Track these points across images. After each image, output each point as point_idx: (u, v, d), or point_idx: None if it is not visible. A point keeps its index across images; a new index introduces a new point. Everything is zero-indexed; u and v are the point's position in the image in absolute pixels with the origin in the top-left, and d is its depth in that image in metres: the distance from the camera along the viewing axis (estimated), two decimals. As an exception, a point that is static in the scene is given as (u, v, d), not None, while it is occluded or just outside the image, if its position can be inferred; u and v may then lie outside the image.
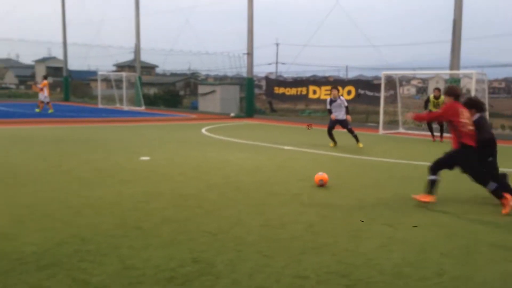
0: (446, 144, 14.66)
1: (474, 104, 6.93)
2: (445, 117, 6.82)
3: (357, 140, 12.97)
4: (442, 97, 14.79)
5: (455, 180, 7.58)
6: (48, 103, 24.21)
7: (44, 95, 24.10)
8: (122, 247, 4.50)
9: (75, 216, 5.53)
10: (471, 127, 6.52)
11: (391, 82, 19.61)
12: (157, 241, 4.73)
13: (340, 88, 23.64)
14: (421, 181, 8.35)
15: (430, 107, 15.08)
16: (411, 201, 6.81)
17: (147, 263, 4.11)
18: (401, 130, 18.79)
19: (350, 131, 13.01)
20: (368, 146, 13.55)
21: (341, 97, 13.17)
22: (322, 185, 7.64)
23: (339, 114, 12.93)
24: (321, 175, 7.74)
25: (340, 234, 5.14)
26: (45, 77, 25.51)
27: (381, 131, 17.80)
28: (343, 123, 13.00)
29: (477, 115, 6.83)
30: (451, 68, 18.42)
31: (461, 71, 18.62)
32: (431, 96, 15.57)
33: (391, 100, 19.93)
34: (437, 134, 15.46)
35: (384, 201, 6.79)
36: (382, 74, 18.84)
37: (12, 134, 14.30)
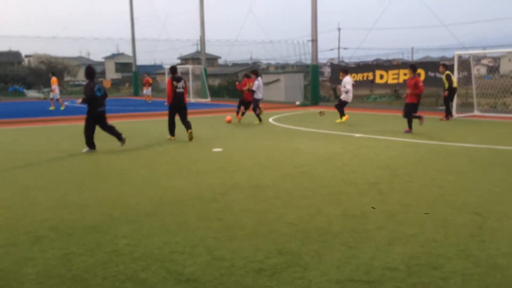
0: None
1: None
2: None
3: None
4: (447, 72, 16.27)
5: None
6: (58, 99, 24.63)
7: (54, 92, 24.19)
8: (208, 238, 4.60)
9: (159, 208, 5.72)
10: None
11: (464, 63, 18.76)
12: (240, 232, 4.79)
13: (408, 71, 23.02)
14: (506, 166, 7.97)
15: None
16: (497, 187, 6.50)
17: (234, 254, 4.18)
18: (476, 113, 17.96)
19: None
20: (443, 131, 13.08)
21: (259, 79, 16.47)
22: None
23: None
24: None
25: (426, 224, 4.98)
26: (53, 73, 25.42)
27: (455, 114, 17.08)
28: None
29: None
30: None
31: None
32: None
33: (464, 81, 19.05)
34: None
35: (467, 188, 6.52)
36: (455, 54, 18.01)
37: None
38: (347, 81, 15.69)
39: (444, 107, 16.75)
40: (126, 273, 3.81)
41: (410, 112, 12.73)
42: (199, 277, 3.71)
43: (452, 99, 16.37)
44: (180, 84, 12.15)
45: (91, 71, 10.36)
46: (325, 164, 8.37)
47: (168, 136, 12.16)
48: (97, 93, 10.16)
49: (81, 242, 4.56)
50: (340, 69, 18.37)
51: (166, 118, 12.38)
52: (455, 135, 12.16)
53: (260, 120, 16.21)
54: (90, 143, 10.24)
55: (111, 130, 10.60)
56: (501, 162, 8.42)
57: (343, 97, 15.76)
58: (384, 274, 3.73)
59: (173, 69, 12.54)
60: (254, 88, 16.17)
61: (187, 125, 11.98)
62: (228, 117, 16.64)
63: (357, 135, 12.34)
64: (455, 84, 16.20)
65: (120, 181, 7.31)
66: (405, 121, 12.90)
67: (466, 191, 6.35)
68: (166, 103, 12.44)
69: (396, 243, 4.42)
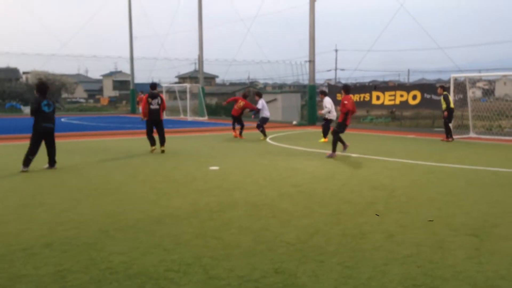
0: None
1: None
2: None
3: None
4: (445, 93, 16.45)
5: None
6: None
7: None
8: (204, 257, 4.57)
9: (156, 225, 5.68)
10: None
11: (459, 85, 18.92)
12: (237, 251, 4.76)
13: (405, 93, 23.21)
14: (503, 188, 7.98)
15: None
16: (495, 209, 6.50)
17: (230, 273, 4.14)
18: (472, 135, 18.04)
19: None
20: (440, 152, 13.11)
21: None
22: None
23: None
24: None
25: (423, 244, 4.97)
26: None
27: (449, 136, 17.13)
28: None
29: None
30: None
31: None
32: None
33: (460, 104, 19.19)
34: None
35: (464, 209, 6.51)
36: (452, 76, 18.18)
37: (87, 147, 14.98)
38: (327, 101, 16.67)
39: (443, 129, 16.86)
40: (121, 291, 3.77)
41: (337, 132, 12.16)
42: (195, 296, 3.68)
43: (450, 120, 16.41)
44: (155, 101, 13.03)
45: (42, 87, 10.28)
46: (323, 184, 8.36)
47: (150, 147, 13.11)
48: (45, 108, 9.98)
49: (75, 259, 4.51)
50: (319, 91, 19.20)
51: (155, 136, 13.21)
52: (452, 156, 12.19)
53: (265, 135, 17.50)
54: (27, 160, 9.87)
55: (52, 153, 10.28)
56: (498, 183, 8.44)
57: (327, 116, 16.66)
58: (381, 295, 3.70)
59: (151, 86, 13.45)
60: (259, 107, 17.88)
61: (161, 141, 13.05)
62: (235, 133, 18.08)
63: (354, 155, 12.36)
64: (452, 105, 16.32)
65: (117, 198, 7.28)
66: (399, 141, 12.92)
67: (463, 212, 6.35)
68: (141, 119, 13.18)
69: (393, 263, 4.40)
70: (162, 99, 13.26)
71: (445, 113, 16.15)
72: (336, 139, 12.11)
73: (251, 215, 6.22)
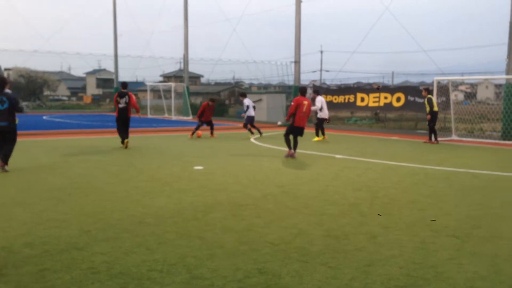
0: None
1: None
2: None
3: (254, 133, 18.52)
4: (429, 96, 16.51)
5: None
6: None
7: None
8: (188, 257, 4.55)
9: (139, 225, 5.64)
10: None
11: (442, 88, 19.14)
12: (220, 251, 4.75)
13: (389, 95, 23.40)
14: (484, 190, 8.09)
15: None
16: (475, 211, 6.59)
17: (214, 273, 4.13)
18: (454, 137, 18.27)
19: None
20: (423, 154, 13.24)
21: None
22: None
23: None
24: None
25: (405, 246, 5.01)
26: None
27: (433, 138, 17.33)
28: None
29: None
30: (508, 72, 17.80)
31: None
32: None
33: (443, 106, 19.42)
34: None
35: (446, 211, 6.58)
36: (435, 79, 18.39)
37: (69, 145, 14.82)
38: (318, 100, 17.06)
39: (427, 131, 17.09)
40: (103, 291, 3.73)
41: (287, 133, 12.23)
42: (178, 296, 3.65)
43: (434, 123, 16.59)
44: (123, 100, 13.67)
45: None
46: (307, 185, 8.39)
47: (120, 144, 13.78)
48: None
49: (56, 258, 4.46)
50: (313, 90, 19.69)
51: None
52: (435, 158, 12.32)
53: (252, 133, 18.30)
54: None
55: (7, 153, 9.51)
56: (480, 186, 8.55)
57: (319, 115, 17.01)
58: (364, 296, 3.72)
59: (122, 84, 14.24)
60: (246, 103, 18.91)
61: (125, 135, 13.63)
62: (199, 132, 18.16)
63: (338, 156, 12.42)
64: (435, 108, 16.50)
65: (100, 197, 7.20)
66: (383, 143, 13.02)
67: (445, 214, 6.41)
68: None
69: (376, 264, 4.43)
70: (130, 97, 13.77)
71: (428, 116, 16.37)
72: (285, 140, 12.25)
73: (235, 215, 6.21)
